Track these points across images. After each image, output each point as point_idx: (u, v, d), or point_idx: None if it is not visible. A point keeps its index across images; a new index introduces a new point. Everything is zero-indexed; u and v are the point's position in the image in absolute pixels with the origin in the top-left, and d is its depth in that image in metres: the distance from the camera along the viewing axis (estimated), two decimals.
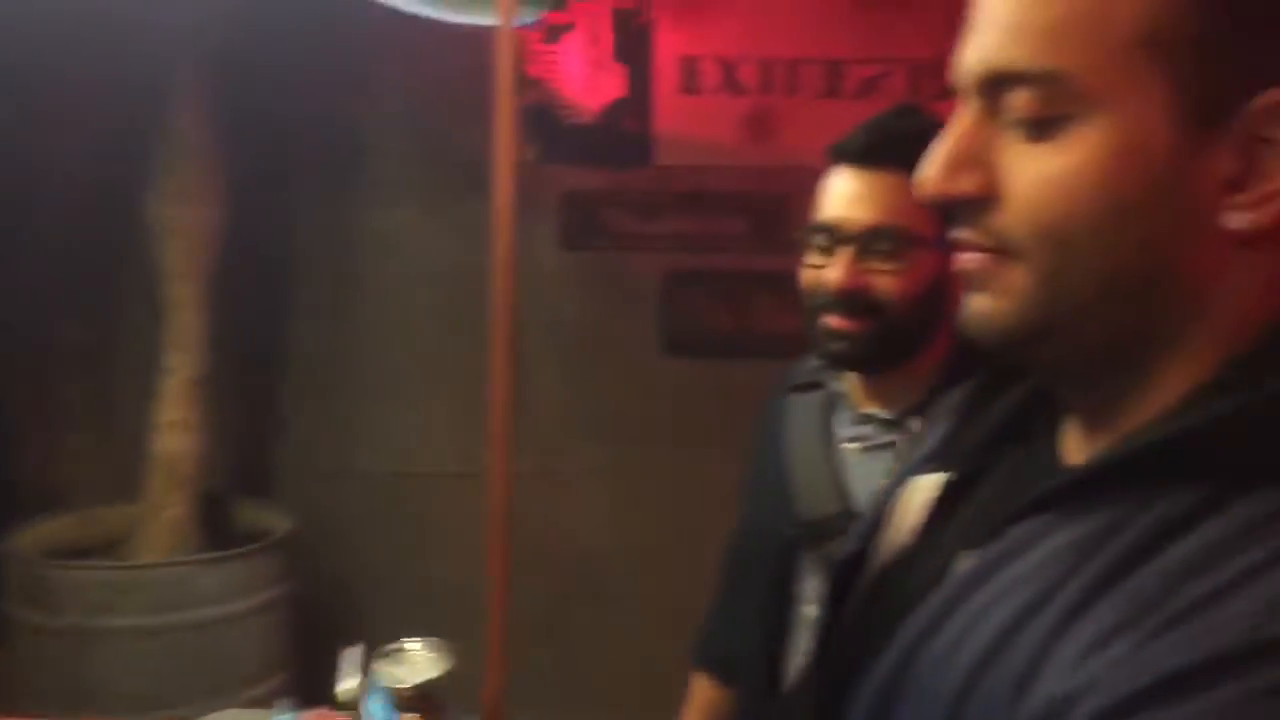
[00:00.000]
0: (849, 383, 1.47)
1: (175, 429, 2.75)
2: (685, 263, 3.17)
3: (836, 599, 0.81)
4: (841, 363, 1.42)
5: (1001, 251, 0.64)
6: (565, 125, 3.12)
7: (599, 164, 3.13)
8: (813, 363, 1.52)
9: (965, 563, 0.69)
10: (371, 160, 3.15)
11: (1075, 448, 0.70)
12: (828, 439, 1.46)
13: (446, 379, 3.11)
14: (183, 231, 2.72)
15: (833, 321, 1.36)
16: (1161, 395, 0.63)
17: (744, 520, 1.66)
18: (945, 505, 0.77)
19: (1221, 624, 0.54)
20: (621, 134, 3.10)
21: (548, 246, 3.17)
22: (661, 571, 3.05)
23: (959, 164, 0.64)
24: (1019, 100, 0.62)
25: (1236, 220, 0.60)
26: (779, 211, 3.11)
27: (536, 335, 3.14)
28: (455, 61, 2.84)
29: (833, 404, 1.49)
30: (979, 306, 0.66)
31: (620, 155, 3.11)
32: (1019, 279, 0.63)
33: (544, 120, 3.11)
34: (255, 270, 3.12)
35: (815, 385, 1.51)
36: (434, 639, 1.84)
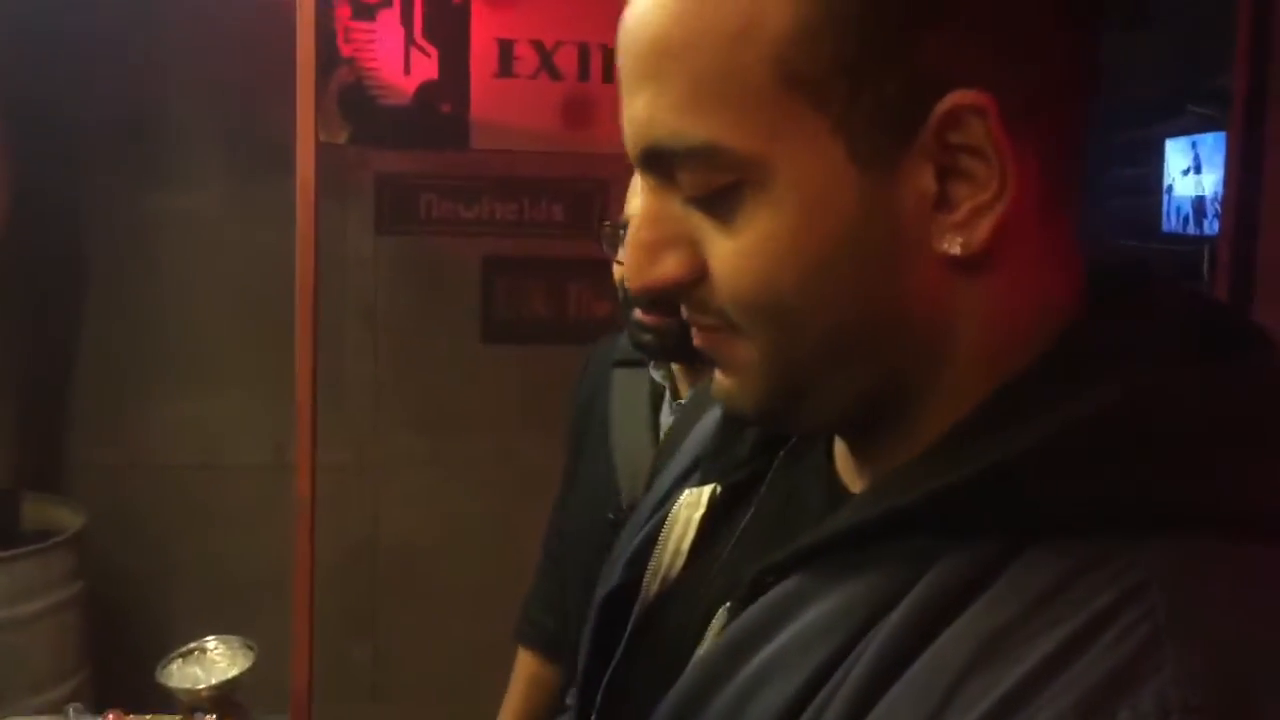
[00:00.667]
0: (672, 370, 1.48)
1: None
2: (503, 248, 3.14)
3: (600, 643, 0.73)
4: (652, 354, 1.44)
5: (727, 327, 0.58)
6: (379, 106, 3.04)
7: (414, 146, 3.06)
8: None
9: (723, 624, 0.62)
10: (171, 141, 3.00)
11: (847, 468, 0.64)
12: (653, 425, 1.48)
13: (254, 368, 2.99)
14: None
15: (639, 314, 1.38)
16: (926, 432, 0.57)
17: (566, 501, 1.66)
18: (713, 525, 0.70)
19: None
20: (437, 116, 3.04)
21: (362, 231, 3.09)
22: (480, 560, 3.02)
23: (657, 250, 0.58)
24: (683, 178, 0.56)
25: (949, 244, 0.54)
26: (596, 198, 3.10)
27: (351, 322, 3.06)
28: (260, 37, 2.73)
29: (657, 391, 1.50)
30: (721, 385, 0.61)
31: (436, 138, 3.05)
32: (747, 354, 0.58)
33: (357, 101, 3.03)
34: (47, 254, 2.94)
35: (638, 362, 1.52)
36: (234, 637, 1.77)
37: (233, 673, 1.71)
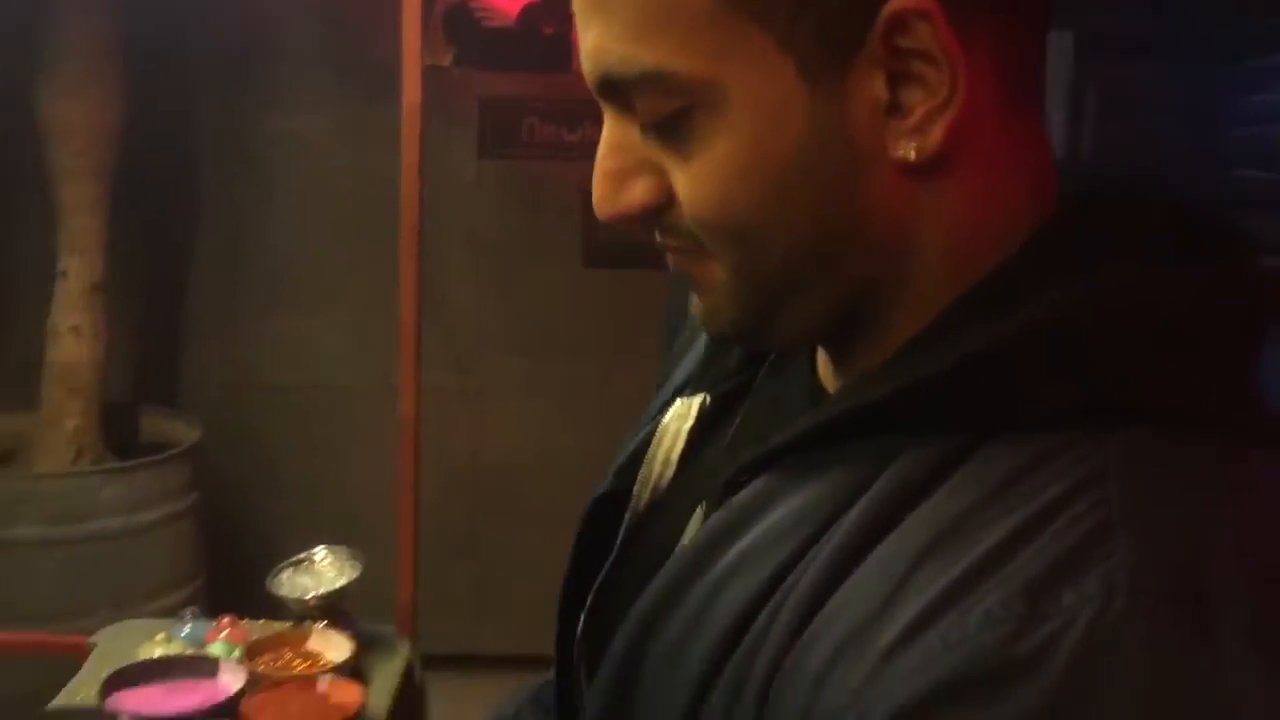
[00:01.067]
0: None
1: (72, 336, 2.66)
2: None
3: (582, 549, 0.74)
4: None
5: (697, 251, 0.59)
6: (484, 28, 3.03)
7: (518, 69, 3.05)
8: None
9: (698, 524, 0.64)
10: (281, 66, 3.04)
11: (827, 375, 0.66)
12: None
13: (360, 290, 3.04)
14: (78, 129, 2.60)
15: None
16: (896, 338, 0.59)
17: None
18: (701, 434, 0.72)
19: (973, 630, 0.47)
20: (541, 39, 3.02)
21: (466, 154, 3.10)
22: (575, 486, 3.04)
23: (622, 178, 0.59)
24: (639, 104, 0.57)
25: (904, 150, 0.54)
26: None
27: (455, 245, 3.08)
28: None
29: None
30: (699, 307, 0.63)
31: (539, 60, 3.03)
32: (717, 274, 0.59)
33: (462, 23, 3.02)
34: (159, 174, 3.01)
35: None
36: (342, 548, 1.82)
37: (341, 582, 1.76)
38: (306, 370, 3.15)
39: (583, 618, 0.72)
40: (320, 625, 1.71)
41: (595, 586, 0.71)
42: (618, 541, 0.72)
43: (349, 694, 1.58)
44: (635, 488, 0.73)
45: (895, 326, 0.59)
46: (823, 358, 0.66)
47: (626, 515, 0.72)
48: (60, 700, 1.60)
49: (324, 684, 1.58)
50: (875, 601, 0.50)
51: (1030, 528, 0.49)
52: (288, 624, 1.77)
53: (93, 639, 1.84)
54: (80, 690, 1.62)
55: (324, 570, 1.78)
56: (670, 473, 0.72)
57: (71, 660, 1.76)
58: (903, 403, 0.55)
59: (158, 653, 1.70)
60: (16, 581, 2.47)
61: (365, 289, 2.97)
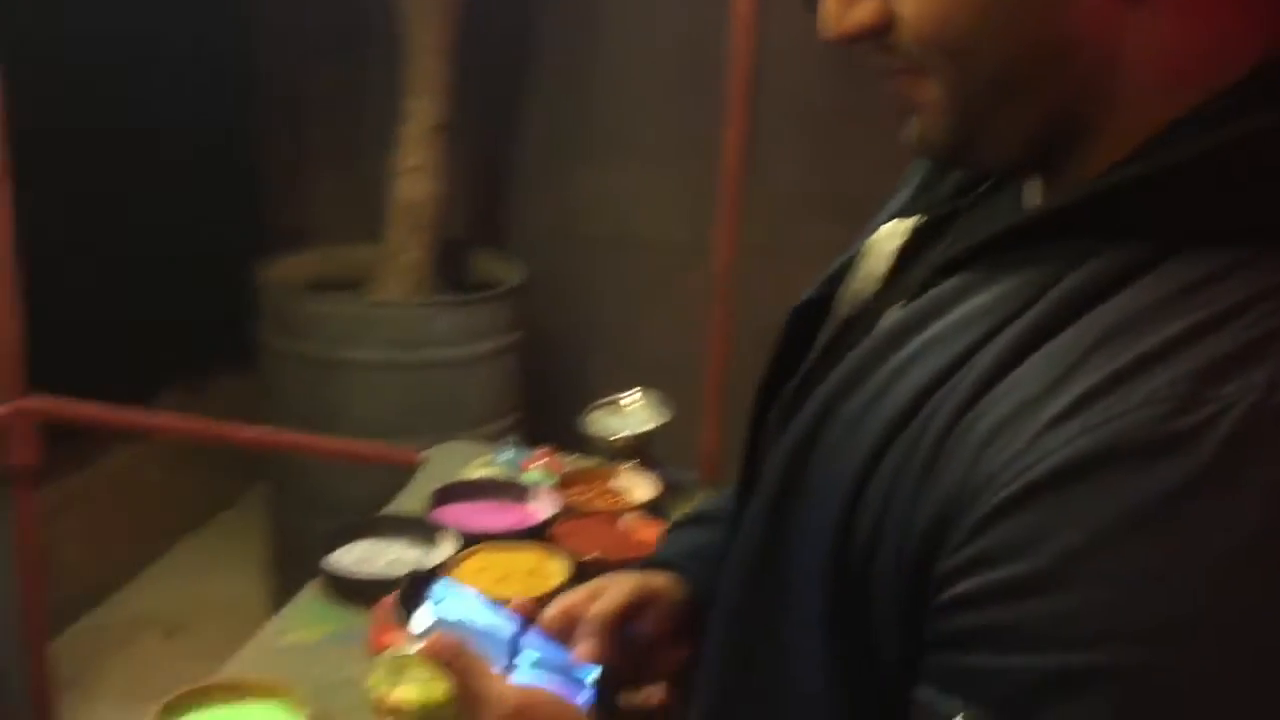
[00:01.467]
0: None
1: (415, 175, 2.82)
2: None
3: (785, 350, 0.80)
4: None
5: (914, 70, 0.63)
6: None
7: None
8: None
9: (892, 317, 0.68)
10: None
11: (1032, 197, 0.69)
12: None
13: (684, 144, 3.05)
14: None
15: None
16: (1100, 163, 0.61)
17: None
18: (910, 253, 0.76)
19: (1135, 405, 0.51)
20: None
21: (794, 11, 3.01)
22: None
23: (849, 1, 0.64)
24: None
25: None
26: None
27: (779, 105, 3.03)
28: None
29: None
30: (914, 130, 0.66)
31: None
32: (934, 92, 0.63)
33: None
34: (498, 28, 3.10)
35: None
36: (654, 392, 1.86)
37: (649, 426, 1.81)
38: (627, 221, 3.22)
39: (771, 415, 0.76)
40: (628, 465, 1.77)
41: (794, 388, 0.74)
42: (817, 349, 0.76)
43: (650, 532, 1.64)
44: (835, 302, 0.77)
45: (1100, 153, 0.61)
46: (1030, 188, 0.69)
47: (825, 324, 0.77)
48: (391, 508, 1.75)
49: (627, 521, 1.65)
50: (1045, 382, 0.54)
51: (1208, 325, 0.52)
52: (596, 461, 1.85)
53: (423, 455, 1.99)
54: (409, 501, 1.76)
55: (634, 413, 1.84)
56: (873, 288, 0.76)
57: (403, 472, 1.92)
58: (1099, 206, 0.58)
59: (479, 474, 1.82)
60: (360, 398, 2.71)
61: (689, 144, 2.98)
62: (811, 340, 0.77)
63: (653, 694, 0.93)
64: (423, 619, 0.86)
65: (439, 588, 0.90)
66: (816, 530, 0.63)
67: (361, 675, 1.31)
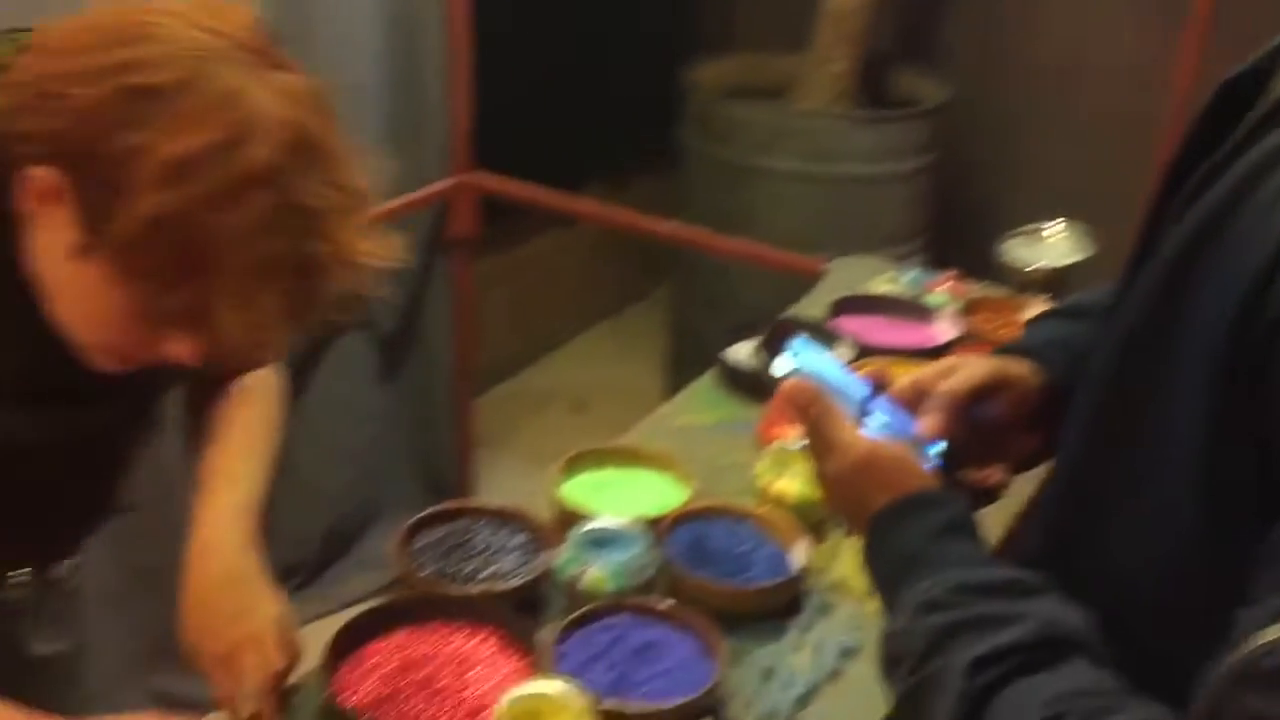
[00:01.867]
0: None
1: None
2: None
3: (1204, 125, 0.74)
4: None
5: None
6: None
7: None
8: None
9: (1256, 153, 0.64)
10: None
11: None
12: None
13: None
14: None
15: None
16: None
17: None
18: None
19: None
20: None
21: None
22: None
23: None
24: None
25: None
26: None
27: None
28: None
29: None
30: None
31: None
32: None
33: None
34: None
35: None
36: (1079, 225, 1.75)
37: (1069, 260, 1.71)
38: (1060, 49, 2.98)
39: (1183, 192, 0.71)
40: (1040, 298, 1.69)
41: (1206, 164, 0.69)
42: (1241, 124, 0.69)
43: None
44: (1276, 77, 0.70)
45: None
46: None
47: (1259, 99, 0.70)
48: (790, 312, 1.76)
49: None
50: None
51: None
52: (1008, 291, 1.78)
53: (827, 265, 1.99)
54: (809, 307, 1.77)
55: (1054, 245, 1.74)
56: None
57: (802, 285, 1.93)
58: None
59: (882, 289, 1.80)
60: (771, 207, 2.74)
61: None
62: (1240, 116, 0.70)
63: (992, 474, 0.92)
64: (782, 366, 0.90)
65: (798, 342, 0.92)
66: (1228, 283, 0.62)
67: (747, 463, 1.36)
